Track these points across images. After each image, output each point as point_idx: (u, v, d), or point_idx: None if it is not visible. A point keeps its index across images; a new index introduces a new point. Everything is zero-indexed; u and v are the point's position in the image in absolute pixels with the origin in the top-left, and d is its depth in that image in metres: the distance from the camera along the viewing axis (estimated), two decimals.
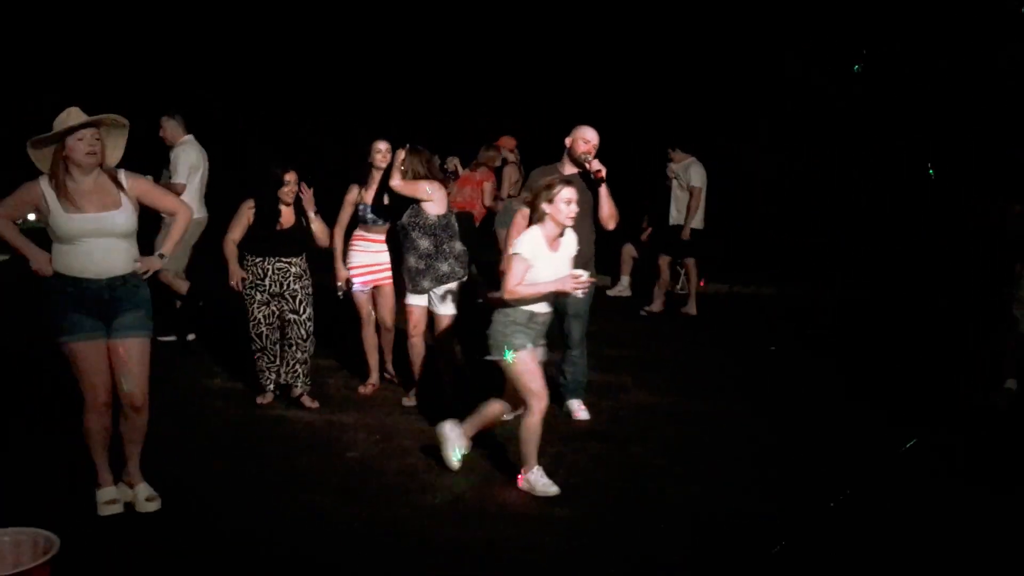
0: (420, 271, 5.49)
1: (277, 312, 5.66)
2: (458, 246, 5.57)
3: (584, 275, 4.31)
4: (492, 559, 3.76)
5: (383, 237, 5.96)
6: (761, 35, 13.70)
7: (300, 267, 5.69)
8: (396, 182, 5.44)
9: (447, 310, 5.55)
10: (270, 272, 5.58)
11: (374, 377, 6.21)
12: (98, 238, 3.86)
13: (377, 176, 5.85)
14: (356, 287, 6.00)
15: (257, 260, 5.61)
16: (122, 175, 4.01)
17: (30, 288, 4.08)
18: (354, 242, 5.99)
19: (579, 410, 5.58)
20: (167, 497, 4.20)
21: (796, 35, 13.53)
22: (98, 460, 4.07)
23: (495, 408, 4.62)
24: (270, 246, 5.58)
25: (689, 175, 8.60)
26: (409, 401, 5.82)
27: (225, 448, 5.03)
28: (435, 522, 4.10)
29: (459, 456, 4.65)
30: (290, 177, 5.52)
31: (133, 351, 4.01)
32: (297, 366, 5.73)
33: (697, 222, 8.62)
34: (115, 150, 4.06)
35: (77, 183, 3.85)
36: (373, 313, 6.07)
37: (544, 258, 4.31)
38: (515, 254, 4.30)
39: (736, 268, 10.82)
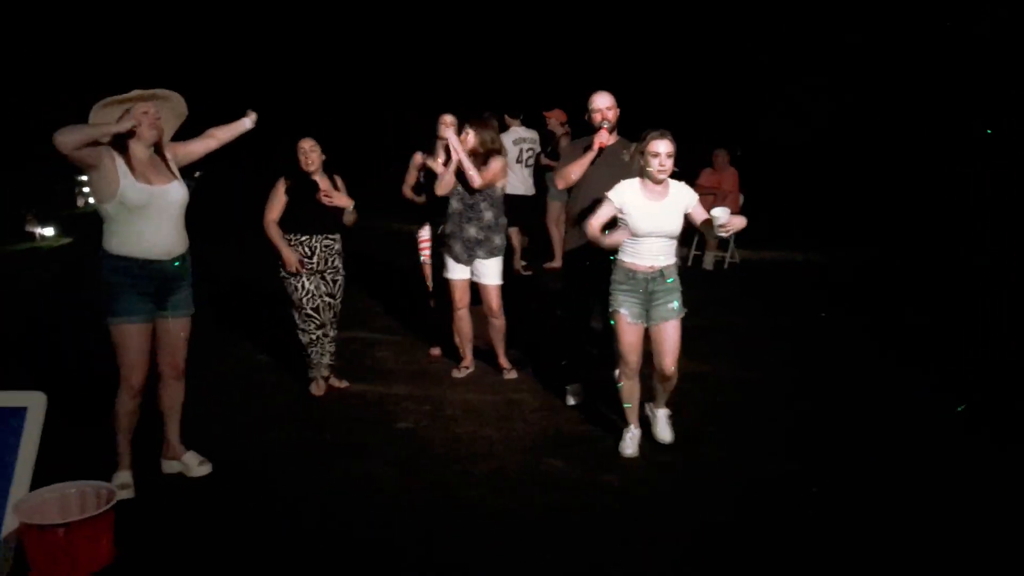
0: (479, 242, 5.56)
1: (324, 288, 5.51)
2: (504, 219, 5.64)
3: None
4: (547, 524, 3.83)
5: None
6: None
7: (340, 244, 5.56)
8: (479, 180, 5.41)
9: (496, 280, 5.64)
10: (318, 250, 5.41)
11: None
12: (157, 214, 3.92)
13: (440, 148, 5.96)
14: (423, 257, 6.34)
15: (303, 239, 5.39)
16: (167, 152, 4.09)
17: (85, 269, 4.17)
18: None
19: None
20: (223, 466, 4.34)
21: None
22: (121, 442, 4.10)
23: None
24: (314, 222, 5.33)
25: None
26: (459, 373, 5.89)
27: (279, 419, 5.13)
28: (487, 490, 4.18)
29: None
30: (306, 144, 5.34)
31: (181, 328, 4.16)
32: (326, 345, 5.61)
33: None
34: (167, 135, 4.14)
35: (137, 156, 3.92)
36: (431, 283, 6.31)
37: (640, 207, 4.34)
38: (605, 196, 4.43)
39: (770, 235, 10.80)
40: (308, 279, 5.42)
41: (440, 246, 5.83)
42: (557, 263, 9.39)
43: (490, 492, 4.16)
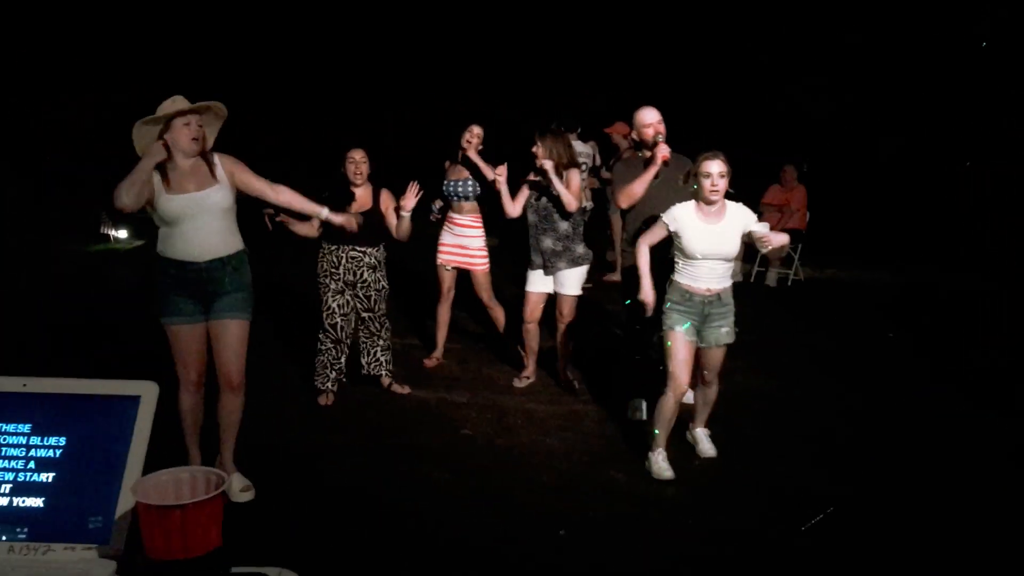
0: (557, 253, 5.52)
1: (352, 303, 5.46)
2: (582, 230, 5.63)
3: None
4: (613, 533, 3.89)
5: (469, 220, 6.07)
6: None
7: (375, 257, 5.41)
8: (570, 199, 5.36)
9: (575, 291, 5.61)
10: (344, 261, 5.34)
11: (439, 352, 6.40)
12: (197, 218, 3.91)
13: (461, 157, 6.01)
14: (440, 261, 6.18)
15: (332, 248, 5.33)
16: (214, 156, 4.06)
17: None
18: (446, 224, 6.18)
19: None
20: (288, 468, 4.44)
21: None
22: (188, 439, 4.18)
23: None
24: (343, 233, 4.92)
25: None
26: (520, 383, 5.93)
27: (343, 423, 5.23)
28: (553, 498, 4.23)
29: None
30: (356, 155, 5.28)
31: (230, 333, 4.06)
32: (379, 354, 5.64)
33: None
34: (211, 136, 4.11)
35: (177, 166, 3.92)
36: (452, 292, 6.26)
37: (694, 229, 4.32)
38: (659, 217, 4.47)
39: (837, 252, 10.68)
40: (332, 297, 5.39)
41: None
42: (618, 276, 9.39)
43: (556, 500, 4.21)
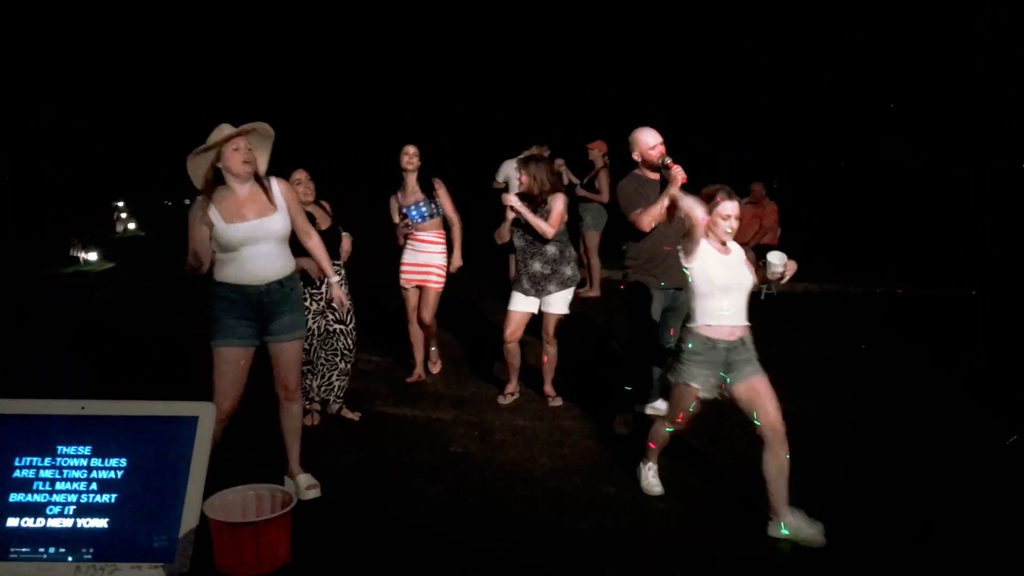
0: (547, 276, 5.58)
1: (323, 324, 5.49)
2: (572, 251, 5.71)
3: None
4: (609, 545, 3.95)
5: (432, 236, 6.14)
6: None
7: (342, 272, 5.49)
8: (544, 228, 5.45)
9: (563, 310, 5.68)
10: (326, 279, 5.27)
11: (419, 370, 6.47)
12: (257, 244, 3.99)
13: (407, 179, 6.09)
14: (402, 283, 6.23)
15: None
16: (272, 182, 4.12)
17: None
18: (408, 241, 6.21)
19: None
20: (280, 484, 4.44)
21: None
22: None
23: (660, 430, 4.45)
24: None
25: None
26: (505, 400, 5.97)
27: (331, 442, 5.23)
28: (546, 512, 4.28)
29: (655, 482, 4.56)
30: (301, 175, 5.31)
31: (291, 352, 4.21)
32: (335, 379, 5.57)
33: None
34: (263, 158, 4.14)
35: (234, 193, 3.99)
36: (413, 312, 6.30)
37: (716, 259, 4.10)
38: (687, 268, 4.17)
39: (806, 267, 10.85)
40: (313, 319, 5.39)
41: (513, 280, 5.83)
42: (595, 292, 9.50)
43: (547, 514, 4.25)
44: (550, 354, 5.85)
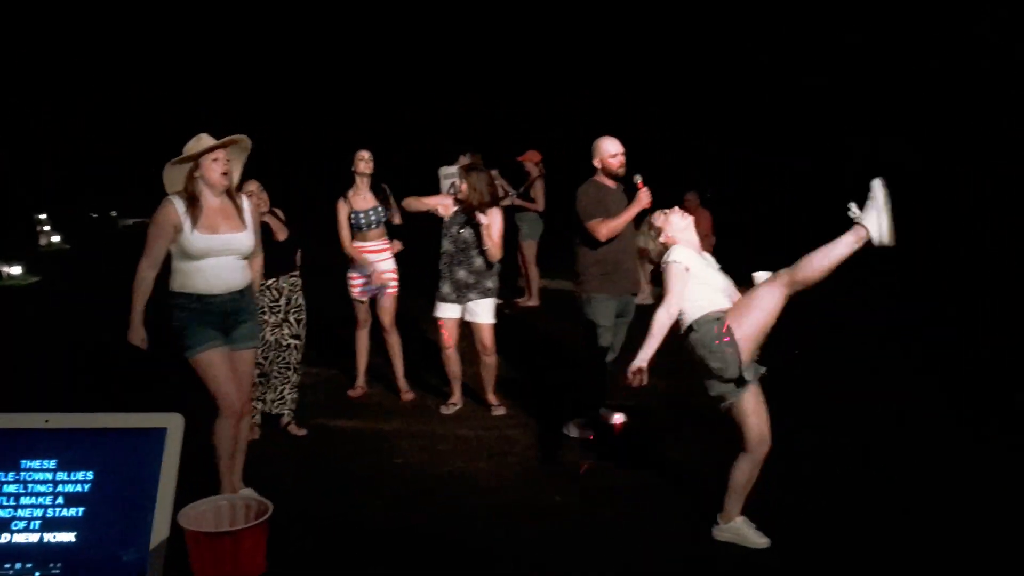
0: (470, 285, 5.63)
1: (278, 335, 5.45)
2: (498, 266, 5.75)
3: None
4: (547, 556, 3.96)
5: (381, 244, 6.07)
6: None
7: (300, 279, 5.56)
8: (495, 252, 5.54)
9: (489, 319, 5.73)
10: (285, 291, 5.43)
11: (361, 380, 6.37)
12: (223, 256, 4.04)
13: (360, 183, 5.97)
14: (355, 294, 6.12)
15: (270, 281, 5.34)
16: (243, 199, 4.20)
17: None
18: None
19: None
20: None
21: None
22: (223, 468, 4.18)
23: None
24: (277, 262, 5.27)
25: None
26: (448, 409, 5.97)
27: (272, 455, 5.17)
28: (486, 523, 4.29)
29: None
30: (253, 186, 5.25)
31: (246, 361, 4.25)
32: (286, 392, 5.53)
33: None
34: (237, 171, 4.22)
35: (207, 203, 4.03)
36: (369, 319, 6.22)
37: (705, 264, 4.10)
38: (672, 262, 4.03)
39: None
40: (271, 331, 5.36)
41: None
42: (533, 301, 9.56)
43: (492, 524, 4.27)
44: (488, 364, 5.89)
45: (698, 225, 9.59)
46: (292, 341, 5.48)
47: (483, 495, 4.65)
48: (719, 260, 4.29)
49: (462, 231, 5.61)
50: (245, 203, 4.19)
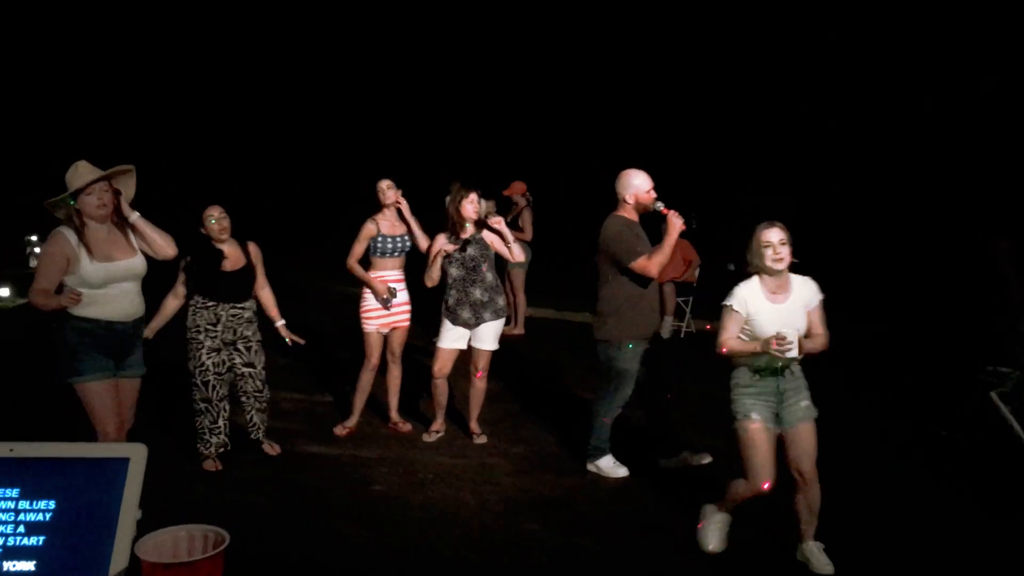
0: (485, 304, 5.65)
1: (228, 363, 5.30)
2: (499, 281, 5.83)
3: (789, 335, 3.78)
4: None
5: (400, 274, 5.92)
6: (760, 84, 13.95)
7: (252, 311, 5.38)
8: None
9: (493, 345, 5.76)
10: (223, 319, 5.23)
11: (353, 422, 6.11)
12: (123, 283, 4.15)
13: (390, 210, 5.83)
14: (371, 328, 5.89)
15: (209, 304, 5.21)
16: (127, 228, 4.25)
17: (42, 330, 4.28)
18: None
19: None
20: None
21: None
22: None
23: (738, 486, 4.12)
24: (221, 291, 5.20)
25: None
26: (430, 437, 5.97)
27: (252, 483, 5.16)
28: (466, 552, 4.29)
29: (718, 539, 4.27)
30: (215, 212, 5.17)
31: (135, 389, 4.39)
32: (255, 416, 5.51)
33: None
34: (128, 190, 4.27)
35: (95, 234, 4.09)
36: (380, 360, 5.97)
37: (764, 312, 3.92)
38: (726, 306, 3.99)
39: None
40: (208, 354, 5.19)
41: (445, 314, 5.74)
42: (519, 330, 9.60)
43: (469, 554, 4.27)
44: (479, 390, 5.89)
45: (683, 252, 9.81)
46: (245, 370, 5.36)
47: (459, 524, 4.63)
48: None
49: (467, 250, 5.64)
50: (132, 233, 4.24)
